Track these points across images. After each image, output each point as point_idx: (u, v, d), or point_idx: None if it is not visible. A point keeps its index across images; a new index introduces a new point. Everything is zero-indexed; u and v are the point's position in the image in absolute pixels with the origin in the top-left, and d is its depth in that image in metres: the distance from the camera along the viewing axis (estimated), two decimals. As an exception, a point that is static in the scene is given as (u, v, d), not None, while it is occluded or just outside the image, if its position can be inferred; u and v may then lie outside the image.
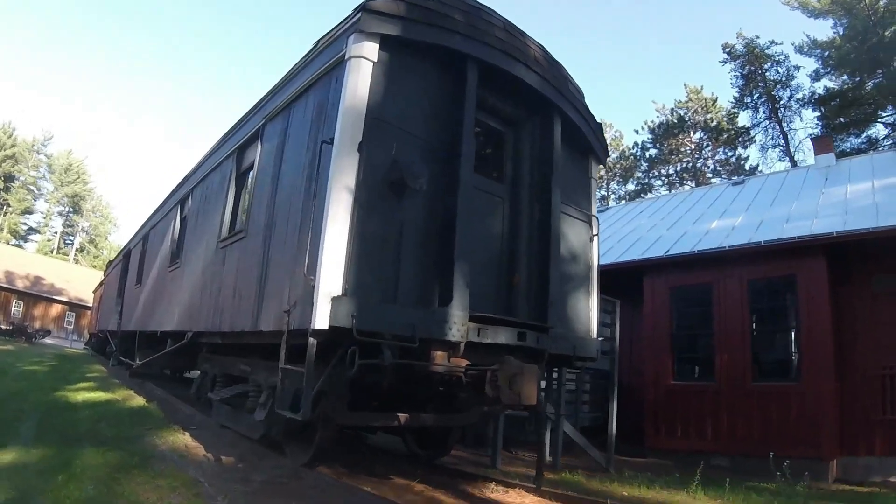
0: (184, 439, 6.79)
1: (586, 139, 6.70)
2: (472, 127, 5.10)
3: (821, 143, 17.39)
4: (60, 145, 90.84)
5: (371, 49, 4.44)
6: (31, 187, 66.16)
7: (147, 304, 11.27)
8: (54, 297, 41.06)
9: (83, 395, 10.45)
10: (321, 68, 4.98)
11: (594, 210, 6.87)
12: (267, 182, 5.82)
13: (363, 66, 4.38)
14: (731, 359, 9.85)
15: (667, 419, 10.43)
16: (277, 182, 5.49)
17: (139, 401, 10.15)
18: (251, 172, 6.48)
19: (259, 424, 5.86)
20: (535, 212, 5.86)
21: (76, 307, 42.01)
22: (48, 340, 32.01)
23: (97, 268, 58.57)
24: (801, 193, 13.52)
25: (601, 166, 7.88)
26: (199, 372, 8.44)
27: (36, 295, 39.78)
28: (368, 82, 4.38)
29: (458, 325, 4.42)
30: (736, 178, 24.81)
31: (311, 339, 3.91)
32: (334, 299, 3.86)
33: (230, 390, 6.71)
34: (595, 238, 6.72)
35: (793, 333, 9.68)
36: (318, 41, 5.18)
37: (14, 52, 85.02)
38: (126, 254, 17.29)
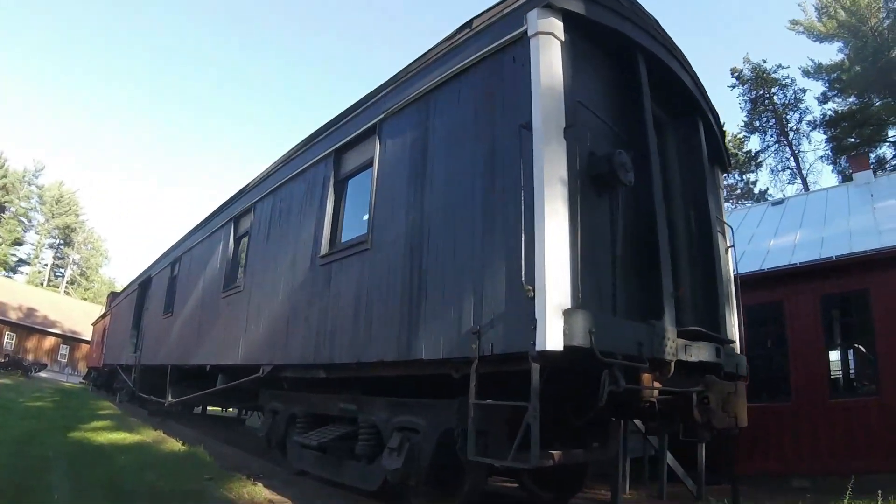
0: (261, 492, 5.81)
1: (717, 146, 6.32)
2: (651, 121, 4.62)
3: (857, 161, 17.32)
4: (52, 176, 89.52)
5: (558, 27, 3.90)
6: (22, 218, 64.56)
7: (185, 336, 10.23)
8: (48, 330, 39.34)
9: (105, 436, 9.44)
10: (483, 50, 4.29)
11: (725, 219, 6.45)
12: (400, 183, 4.96)
13: (553, 45, 3.83)
14: (806, 376, 9.64)
15: (743, 442, 9.76)
16: (424, 181, 4.63)
17: (174, 444, 9.13)
18: (369, 174, 5.58)
19: (375, 474, 4.99)
20: (690, 219, 5.43)
21: (70, 340, 40.32)
22: (43, 374, 30.40)
23: (89, 300, 56.85)
24: (851, 209, 13.29)
25: (725, 175, 7.32)
26: (265, 411, 7.44)
27: (29, 327, 38.06)
28: (560, 62, 3.83)
29: (671, 342, 3.88)
30: (773, 198, 24.79)
31: (534, 365, 3.22)
32: (567, 313, 3.20)
33: (324, 432, 5.73)
34: (731, 249, 6.33)
35: (869, 347, 9.45)
36: (472, 21, 4.51)
37: (6, 83, 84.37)
38: (144, 282, 16.22)
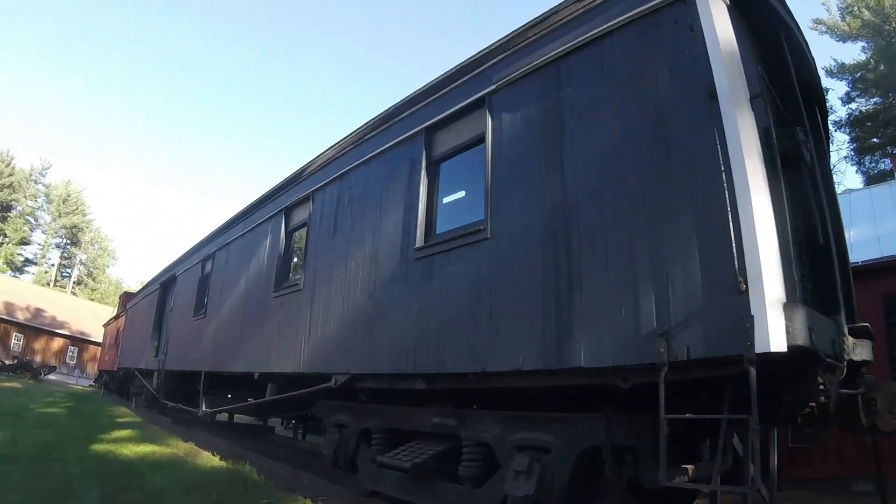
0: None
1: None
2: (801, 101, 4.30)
3: (897, 159, 17.41)
4: (59, 175, 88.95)
5: (724, -12, 3.46)
6: (29, 217, 63.97)
7: (223, 340, 9.36)
8: (56, 331, 38.52)
9: (132, 448, 8.62)
10: (632, 11, 3.75)
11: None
12: (525, 162, 4.23)
13: (721, 7, 3.46)
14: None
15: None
16: (561, 159, 3.94)
17: (210, 458, 8.27)
18: (476, 154, 4.81)
19: (487, 500, 4.25)
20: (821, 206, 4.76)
21: (79, 341, 39.51)
22: (52, 377, 29.53)
23: (96, 301, 56.14)
24: (899, 208, 13.47)
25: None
26: (327, 425, 6.55)
27: (37, 328, 37.25)
28: (730, 27, 3.44)
29: (848, 340, 3.50)
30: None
31: (752, 370, 2.74)
32: (787, 308, 2.80)
33: (415, 450, 4.89)
34: None
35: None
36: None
37: (13, 81, 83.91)
38: (167, 282, 15.36)
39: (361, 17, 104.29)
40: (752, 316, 2.75)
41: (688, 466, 3.82)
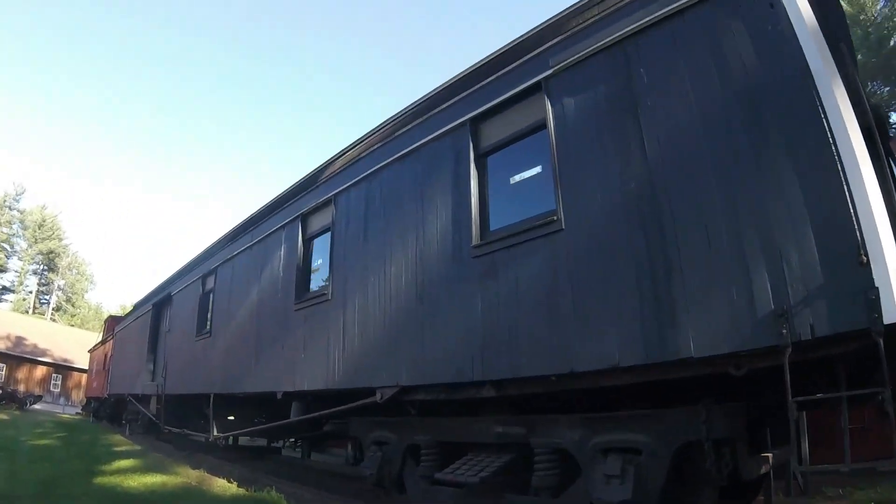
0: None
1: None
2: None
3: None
4: (33, 200, 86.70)
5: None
6: (4, 245, 62.02)
7: (234, 359, 8.79)
8: (38, 359, 37.07)
9: (138, 479, 8.07)
10: None
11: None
12: (597, 146, 4.00)
13: None
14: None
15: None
16: (640, 141, 3.74)
17: (227, 486, 7.75)
18: (535, 141, 4.49)
19: None
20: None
21: (62, 368, 38.10)
22: (38, 406, 28.33)
23: (76, 326, 54.55)
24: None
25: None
26: (365, 444, 6.07)
27: (18, 356, 35.79)
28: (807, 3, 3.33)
29: None
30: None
31: (880, 343, 2.69)
32: None
33: (478, 464, 4.48)
34: None
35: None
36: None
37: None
38: (160, 302, 14.70)
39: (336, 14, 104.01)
40: (877, 288, 2.69)
41: (767, 454, 3.82)
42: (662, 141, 3.62)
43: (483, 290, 4.55)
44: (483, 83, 5.00)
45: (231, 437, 13.52)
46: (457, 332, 4.65)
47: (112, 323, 23.53)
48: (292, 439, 11.20)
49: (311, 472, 10.31)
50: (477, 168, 4.91)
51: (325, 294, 6.61)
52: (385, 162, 6.02)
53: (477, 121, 5.02)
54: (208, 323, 10.58)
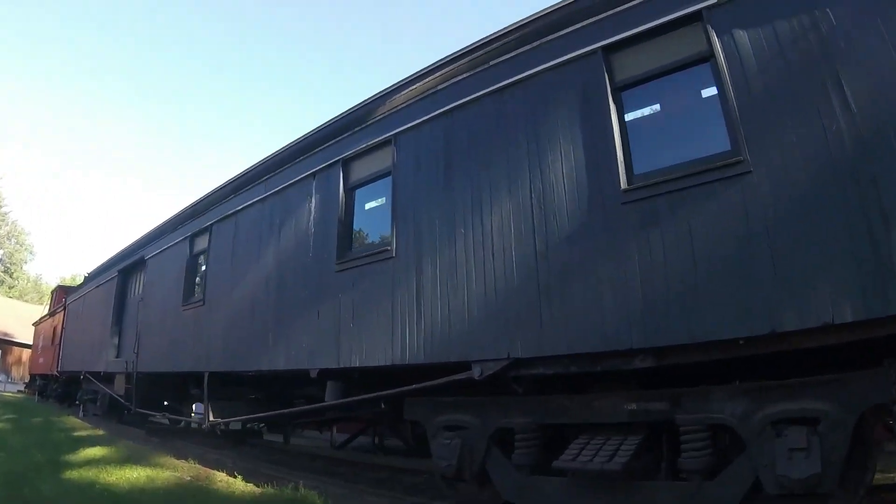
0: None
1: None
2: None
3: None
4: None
5: None
6: (-67, 209, 56.78)
7: (241, 331, 7.42)
8: (-28, 333, 33.83)
9: (119, 474, 6.95)
10: None
11: None
12: (794, 89, 3.43)
13: None
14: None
15: None
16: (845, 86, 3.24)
17: (234, 482, 6.56)
18: (701, 74, 3.85)
19: (731, 488, 3.46)
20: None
21: (1, 343, 34.92)
22: (-28, 385, 25.63)
23: (15, 298, 50.69)
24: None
25: None
26: (431, 429, 5.03)
27: (-48, 331, 32.52)
28: None
29: None
30: None
31: None
32: None
33: (609, 446, 3.79)
34: None
35: None
36: None
37: None
38: (130, 267, 12.94)
39: None
40: None
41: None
42: (870, 87, 3.15)
43: (641, 243, 3.70)
44: (618, 9, 4.15)
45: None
46: (602, 293, 3.80)
47: (61, 294, 21.27)
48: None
49: (319, 459, 8.99)
50: (615, 102, 4.13)
51: (386, 251, 5.38)
52: (475, 95, 4.96)
53: (612, 49, 4.21)
54: (200, 290, 9.06)
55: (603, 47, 4.19)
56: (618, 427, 3.91)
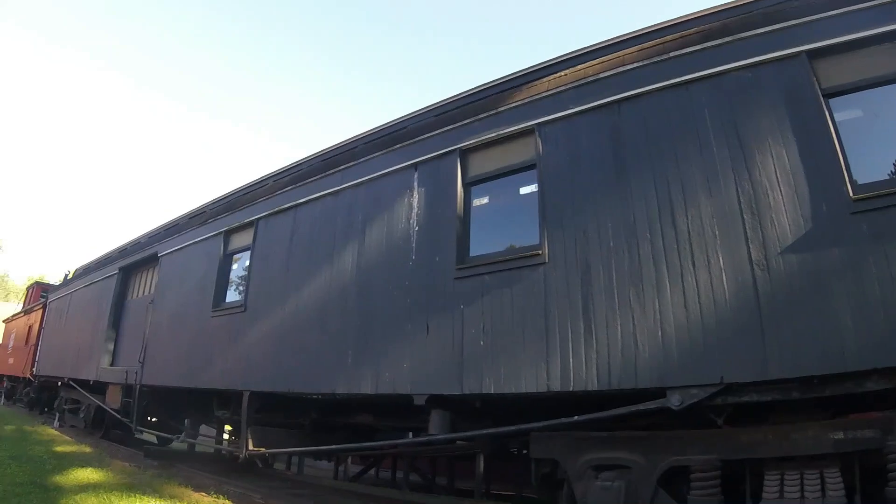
0: None
1: None
2: None
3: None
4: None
5: None
6: None
7: (314, 346, 6.22)
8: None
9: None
10: None
11: None
12: None
13: None
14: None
15: None
16: None
17: None
18: None
19: None
20: None
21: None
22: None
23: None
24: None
25: None
26: (575, 469, 4.21)
27: None
28: None
29: None
30: None
31: None
32: None
33: (800, 481, 3.41)
34: None
35: None
36: None
37: None
38: (136, 265, 11.53)
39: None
40: None
41: None
42: None
43: (878, 256, 3.26)
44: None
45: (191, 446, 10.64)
46: (838, 309, 3.31)
47: (38, 290, 19.51)
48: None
49: (357, 497, 7.68)
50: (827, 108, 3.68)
51: (535, 255, 4.47)
52: (650, 87, 4.30)
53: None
54: (239, 294, 7.80)
55: (808, 51, 3.75)
56: (802, 459, 3.50)
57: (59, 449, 9.69)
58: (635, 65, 4.45)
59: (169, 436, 10.82)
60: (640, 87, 4.37)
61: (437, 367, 4.86)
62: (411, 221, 5.57)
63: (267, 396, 6.80)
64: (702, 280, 3.70)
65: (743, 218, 3.67)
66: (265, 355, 6.76)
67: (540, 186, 4.72)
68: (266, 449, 6.67)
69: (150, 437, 12.31)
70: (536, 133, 4.87)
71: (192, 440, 9.13)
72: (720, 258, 3.68)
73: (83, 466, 7.47)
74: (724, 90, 4.00)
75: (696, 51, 4.19)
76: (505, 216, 5.33)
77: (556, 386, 4.13)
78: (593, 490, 4.01)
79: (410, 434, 6.75)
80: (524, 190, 5.11)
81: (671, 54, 4.30)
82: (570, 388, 4.06)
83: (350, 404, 6.61)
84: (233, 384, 7.13)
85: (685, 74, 4.18)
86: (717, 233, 3.74)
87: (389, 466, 9.25)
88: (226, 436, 11.83)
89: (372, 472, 9.32)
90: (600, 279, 4.12)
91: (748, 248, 3.62)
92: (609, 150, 4.41)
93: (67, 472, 7.13)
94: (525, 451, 5.58)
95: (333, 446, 6.44)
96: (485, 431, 4.72)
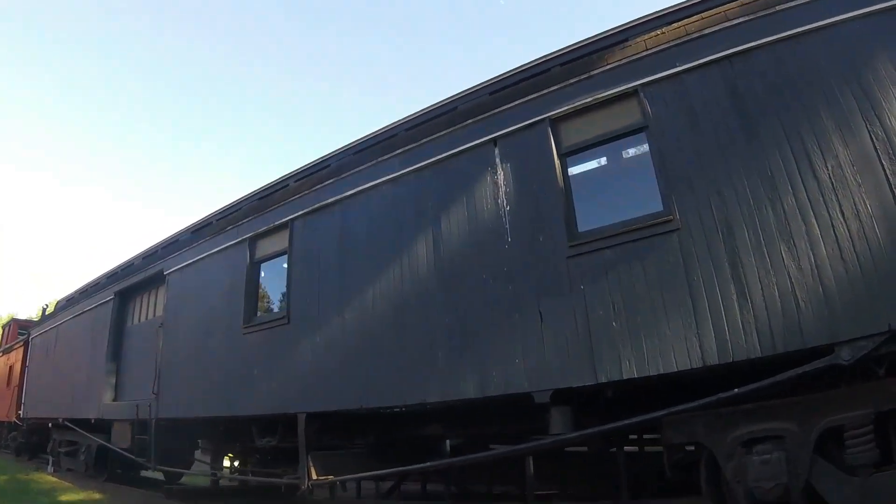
0: None
1: None
2: None
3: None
4: None
5: None
6: None
7: (390, 354, 5.49)
8: None
9: None
10: None
11: None
12: None
13: None
14: None
15: None
16: None
17: None
18: None
19: None
20: None
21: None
22: None
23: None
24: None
25: None
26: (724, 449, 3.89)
27: None
28: None
29: None
30: None
31: None
32: None
33: None
34: None
35: None
36: None
37: None
38: (136, 287, 10.50)
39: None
40: None
41: None
42: None
43: None
44: None
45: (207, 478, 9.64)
46: None
47: (15, 327, 18.08)
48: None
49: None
50: None
51: (665, 222, 4.10)
52: (760, 42, 4.04)
53: None
54: (277, 305, 6.97)
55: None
56: None
57: (64, 498, 8.64)
58: (741, 19, 4.16)
59: (179, 471, 9.84)
60: (751, 42, 4.08)
61: (559, 357, 4.28)
62: (499, 201, 4.96)
63: (325, 417, 5.97)
64: (853, 229, 3.49)
65: (882, 164, 3.49)
66: (322, 370, 5.95)
67: (655, 150, 4.31)
68: (334, 476, 5.80)
69: (155, 474, 11.35)
70: (640, 94, 4.45)
71: (209, 474, 8.14)
72: (868, 205, 3.49)
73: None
74: (847, 38, 3.80)
75: (805, 3, 3.94)
76: (610, 185, 4.95)
77: (713, 359, 3.73)
78: (752, 465, 3.70)
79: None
80: (630, 154, 4.76)
81: (777, 8, 4.03)
82: (731, 359, 3.69)
83: (413, 416, 5.89)
84: (282, 407, 6.29)
85: (798, 27, 3.93)
86: (859, 181, 3.54)
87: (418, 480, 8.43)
88: (226, 463, 10.95)
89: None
90: (746, 239, 3.79)
91: (892, 193, 3.43)
92: (729, 106, 4.10)
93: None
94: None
95: (428, 463, 5.57)
96: (632, 421, 4.08)
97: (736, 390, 3.66)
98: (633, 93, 4.49)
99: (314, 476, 5.82)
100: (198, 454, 10.37)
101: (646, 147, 4.44)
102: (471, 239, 5.05)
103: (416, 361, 5.09)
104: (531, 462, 6.32)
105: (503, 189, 4.94)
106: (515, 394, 4.43)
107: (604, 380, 4.06)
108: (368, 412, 5.54)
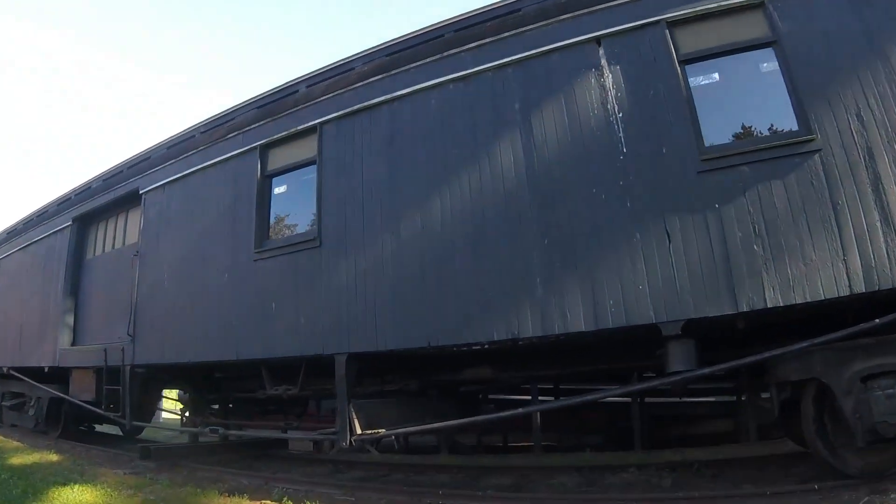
0: None
1: None
2: None
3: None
4: None
5: None
6: None
7: (464, 282, 4.80)
8: None
9: None
10: None
11: None
12: None
13: None
14: None
15: None
16: None
17: None
18: None
19: None
20: None
21: None
22: None
23: None
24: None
25: None
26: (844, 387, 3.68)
27: None
28: None
29: None
30: None
31: None
32: None
33: None
34: None
35: None
36: None
37: None
38: (99, 211, 9.09)
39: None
40: None
41: None
42: None
43: None
44: None
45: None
46: None
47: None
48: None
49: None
50: None
51: (807, 141, 3.89)
52: None
53: None
54: (305, 225, 5.99)
55: None
56: None
57: (16, 461, 7.29)
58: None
59: (143, 424, 8.66)
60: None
61: (692, 283, 3.84)
62: (608, 107, 4.34)
63: (366, 360, 5.12)
64: None
65: None
66: (368, 302, 5.09)
67: (785, 67, 4.02)
68: (386, 429, 4.98)
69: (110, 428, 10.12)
70: (769, 6, 4.07)
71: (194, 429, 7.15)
72: None
73: (64, 484, 5.44)
74: None
75: None
76: (736, 98, 4.38)
77: (860, 287, 3.55)
78: (876, 400, 3.53)
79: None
80: (760, 68, 4.22)
81: None
82: (877, 287, 3.52)
83: (458, 357, 5.28)
84: (313, 347, 5.38)
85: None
86: None
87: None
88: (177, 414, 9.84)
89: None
90: (886, 165, 3.61)
91: None
92: (856, 20, 3.88)
93: (47, 495, 5.07)
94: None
95: (521, 409, 4.87)
96: (768, 353, 3.77)
97: (877, 321, 3.45)
98: (760, 3, 4.09)
99: (358, 430, 4.96)
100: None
101: (774, 64, 4.07)
102: (573, 149, 4.39)
103: (504, 290, 4.41)
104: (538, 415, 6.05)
105: (613, 93, 4.33)
106: (636, 325, 3.92)
107: (745, 308, 3.69)
108: (433, 350, 4.70)
